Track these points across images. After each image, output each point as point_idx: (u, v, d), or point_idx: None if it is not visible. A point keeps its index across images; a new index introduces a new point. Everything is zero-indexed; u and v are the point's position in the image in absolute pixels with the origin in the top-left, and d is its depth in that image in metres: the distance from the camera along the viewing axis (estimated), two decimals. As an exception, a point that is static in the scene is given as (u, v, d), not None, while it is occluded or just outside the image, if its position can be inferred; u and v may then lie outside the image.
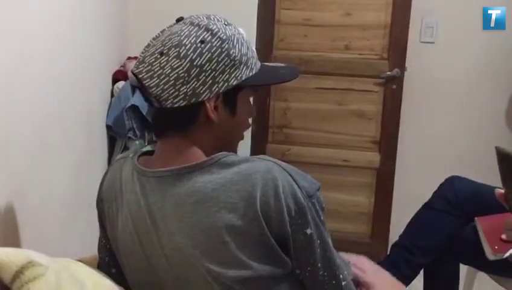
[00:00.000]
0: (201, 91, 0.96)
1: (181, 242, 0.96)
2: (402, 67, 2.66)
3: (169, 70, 0.95)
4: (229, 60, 0.97)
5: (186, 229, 0.96)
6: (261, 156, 1.00)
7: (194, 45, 0.95)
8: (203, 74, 0.96)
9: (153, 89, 0.97)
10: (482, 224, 1.70)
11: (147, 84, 0.97)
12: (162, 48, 0.96)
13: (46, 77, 1.64)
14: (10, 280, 0.82)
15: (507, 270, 1.66)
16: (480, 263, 1.70)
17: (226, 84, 0.98)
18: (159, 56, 0.96)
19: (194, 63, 0.95)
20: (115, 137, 2.34)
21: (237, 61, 0.98)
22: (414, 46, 2.66)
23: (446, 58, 2.69)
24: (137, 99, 2.21)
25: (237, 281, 0.95)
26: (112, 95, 2.37)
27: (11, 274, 0.82)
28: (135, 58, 2.40)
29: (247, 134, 1.35)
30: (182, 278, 0.99)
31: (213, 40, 0.96)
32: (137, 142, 2.29)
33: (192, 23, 0.99)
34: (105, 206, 1.11)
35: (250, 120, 1.12)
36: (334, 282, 1.01)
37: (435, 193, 1.91)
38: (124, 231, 1.05)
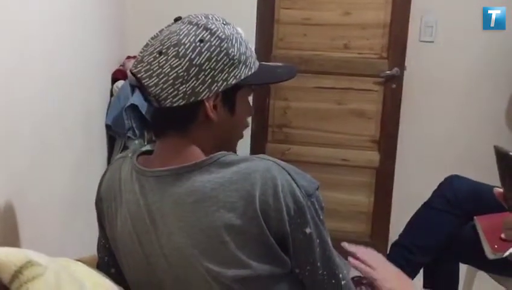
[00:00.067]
0: (201, 90, 0.96)
1: (180, 242, 0.96)
2: (401, 67, 2.66)
3: (169, 70, 0.95)
4: (228, 59, 0.97)
5: (185, 229, 0.96)
6: (260, 155, 1.00)
7: (193, 44, 0.95)
8: (202, 73, 0.96)
9: (152, 89, 0.96)
10: (481, 223, 1.70)
11: (145, 84, 0.97)
12: (161, 47, 0.96)
13: (46, 77, 1.64)
14: (9, 279, 0.82)
15: (507, 269, 1.66)
16: (480, 262, 1.70)
17: (225, 83, 0.98)
18: (157, 55, 0.96)
19: (193, 62, 0.95)
20: (115, 136, 2.34)
21: (236, 60, 0.98)
22: (414, 45, 2.66)
23: (446, 57, 2.69)
24: (137, 99, 2.21)
25: (236, 280, 0.95)
26: (111, 95, 2.37)
27: (10, 274, 0.82)
28: (134, 57, 2.39)
29: (247, 133, 1.36)
30: (181, 277, 0.99)
31: (212, 39, 0.96)
32: (136, 141, 2.29)
33: (190, 23, 0.98)
34: (105, 206, 1.11)
35: (249, 119, 1.12)
36: (333, 281, 1.01)
37: (434, 192, 1.91)
38: (123, 230, 1.05)
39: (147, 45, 1.01)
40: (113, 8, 2.43)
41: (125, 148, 2.29)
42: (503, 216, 1.42)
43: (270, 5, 2.73)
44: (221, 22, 1.01)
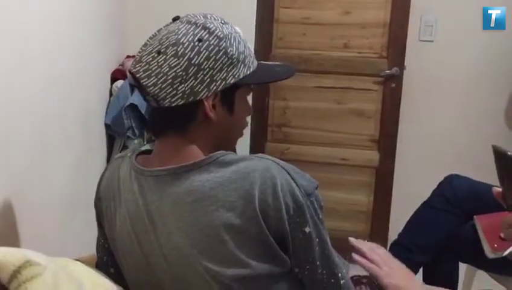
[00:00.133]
0: (199, 90, 0.96)
1: (179, 241, 0.96)
2: (401, 66, 2.66)
3: (167, 69, 0.95)
4: (226, 58, 0.97)
5: (184, 228, 0.96)
6: (260, 154, 1.00)
7: (192, 44, 0.95)
8: (201, 72, 0.95)
9: (151, 88, 0.96)
10: (481, 222, 1.70)
11: (144, 84, 0.97)
12: (160, 46, 0.96)
13: (46, 77, 1.64)
14: (8, 279, 0.82)
15: (506, 269, 1.66)
16: (480, 261, 1.70)
17: (224, 82, 0.98)
18: (156, 55, 0.96)
19: (192, 62, 0.95)
20: (114, 136, 2.34)
21: (235, 60, 0.98)
22: (413, 45, 2.66)
23: (445, 57, 2.69)
24: (136, 98, 2.21)
25: (236, 279, 0.95)
26: (111, 94, 2.37)
27: (8, 274, 0.82)
28: (134, 57, 2.40)
29: (246, 133, 1.35)
30: (181, 277, 0.99)
31: (210, 39, 0.96)
32: (136, 141, 2.29)
33: (189, 22, 0.98)
34: (104, 206, 1.11)
35: (248, 118, 1.12)
36: (332, 280, 1.01)
37: (434, 191, 1.91)
38: (122, 230, 1.05)
39: (145, 45, 1.00)
40: (113, 8, 2.43)
41: (124, 147, 2.29)
42: (502, 215, 1.42)
43: (270, 4, 2.73)
44: (220, 21, 1.01)
